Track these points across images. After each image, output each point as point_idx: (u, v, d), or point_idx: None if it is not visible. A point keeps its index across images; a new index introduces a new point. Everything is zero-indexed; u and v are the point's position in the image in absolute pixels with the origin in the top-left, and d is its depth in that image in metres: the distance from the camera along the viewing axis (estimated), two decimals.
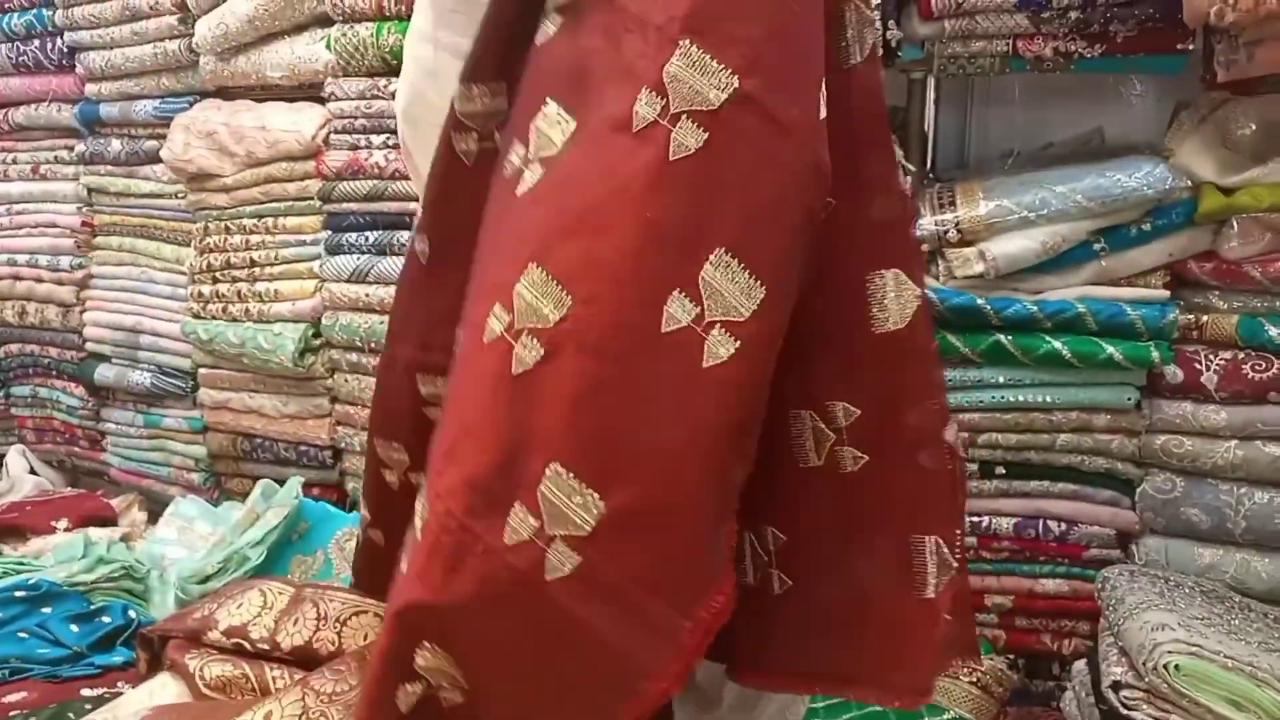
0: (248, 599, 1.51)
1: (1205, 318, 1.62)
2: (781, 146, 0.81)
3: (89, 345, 2.68)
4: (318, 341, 2.30)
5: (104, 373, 2.63)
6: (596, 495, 0.78)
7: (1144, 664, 1.24)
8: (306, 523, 2.08)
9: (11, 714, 1.42)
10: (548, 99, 0.86)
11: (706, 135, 0.79)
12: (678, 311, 0.79)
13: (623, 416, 0.80)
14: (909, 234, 1.07)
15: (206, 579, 1.85)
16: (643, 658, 0.83)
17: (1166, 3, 1.50)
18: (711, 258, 0.80)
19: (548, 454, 0.79)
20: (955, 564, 0.95)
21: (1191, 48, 1.56)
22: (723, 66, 0.78)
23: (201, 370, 2.48)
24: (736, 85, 0.79)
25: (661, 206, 0.80)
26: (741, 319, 0.80)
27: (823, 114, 0.85)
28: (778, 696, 1.19)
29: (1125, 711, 1.25)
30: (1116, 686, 1.27)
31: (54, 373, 2.77)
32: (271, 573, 1.92)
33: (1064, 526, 1.71)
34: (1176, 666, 1.23)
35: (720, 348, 0.80)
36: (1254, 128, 1.63)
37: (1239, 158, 1.60)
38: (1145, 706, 1.24)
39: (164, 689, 1.36)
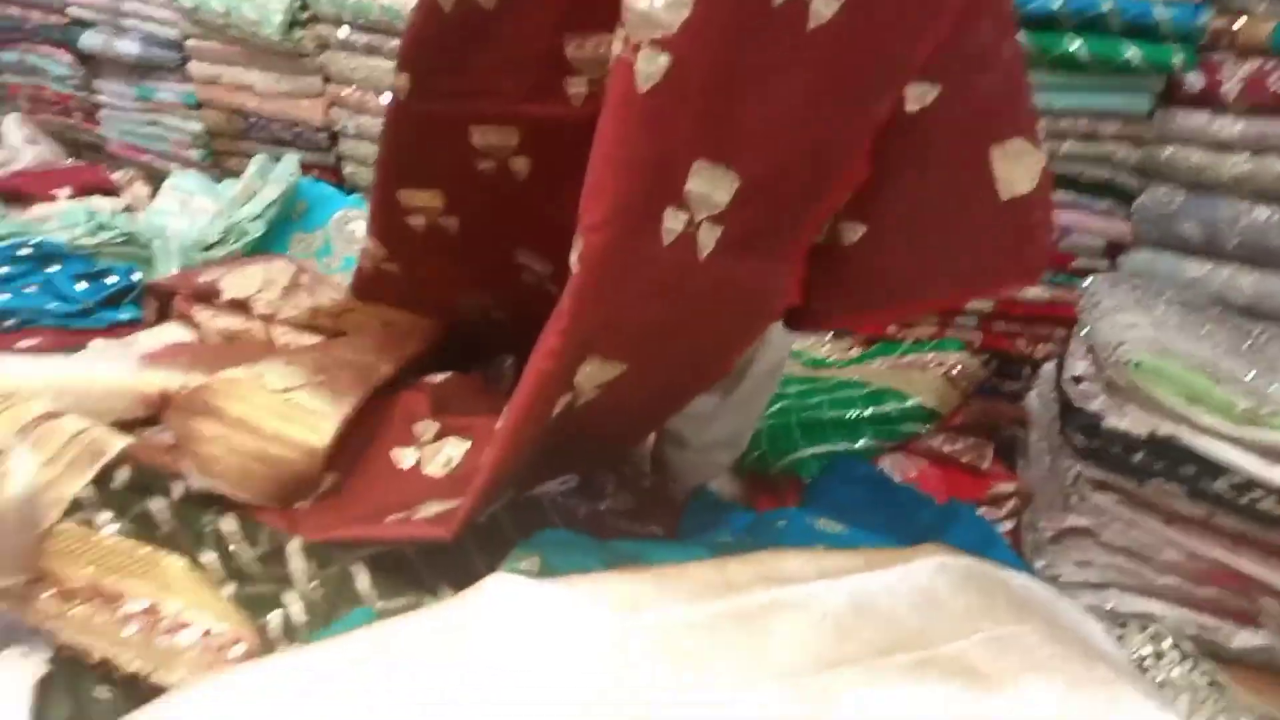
0: (251, 272, 1.54)
1: (1239, 22, 1.52)
2: None
3: (70, 9, 2.57)
4: (305, 15, 2.20)
5: (90, 40, 2.54)
6: (734, 173, 0.86)
7: (1106, 359, 1.28)
8: (304, 202, 2.08)
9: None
10: None
11: None
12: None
13: (747, 93, 0.84)
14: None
15: (208, 248, 1.89)
16: (774, 284, 1.00)
17: None
18: None
19: (692, 155, 0.85)
20: (1040, 150, 0.99)
21: None
22: None
23: (190, 42, 2.39)
24: None
25: None
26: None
27: None
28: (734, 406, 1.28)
29: (1080, 404, 1.30)
30: (1077, 380, 1.33)
31: (38, 38, 2.67)
32: (271, 247, 1.96)
33: (1056, 234, 1.70)
34: (1138, 364, 1.26)
35: (824, 6, 0.82)
36: None
37: None
38: (1101, 397, 1.29)
39: (175, 334, 1.43)
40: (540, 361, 0.89)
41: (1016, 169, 0.97)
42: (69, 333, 1.59)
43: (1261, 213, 1.54)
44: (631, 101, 0.80)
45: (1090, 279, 1.57)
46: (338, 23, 2.17)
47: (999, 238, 1.01)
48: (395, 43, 2.11)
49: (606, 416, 1.03)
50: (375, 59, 2.18)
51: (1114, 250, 1.69)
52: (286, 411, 1.07)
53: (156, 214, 2.12)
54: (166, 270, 1.92)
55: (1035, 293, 1.74)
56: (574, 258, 0.85)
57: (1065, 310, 1.66)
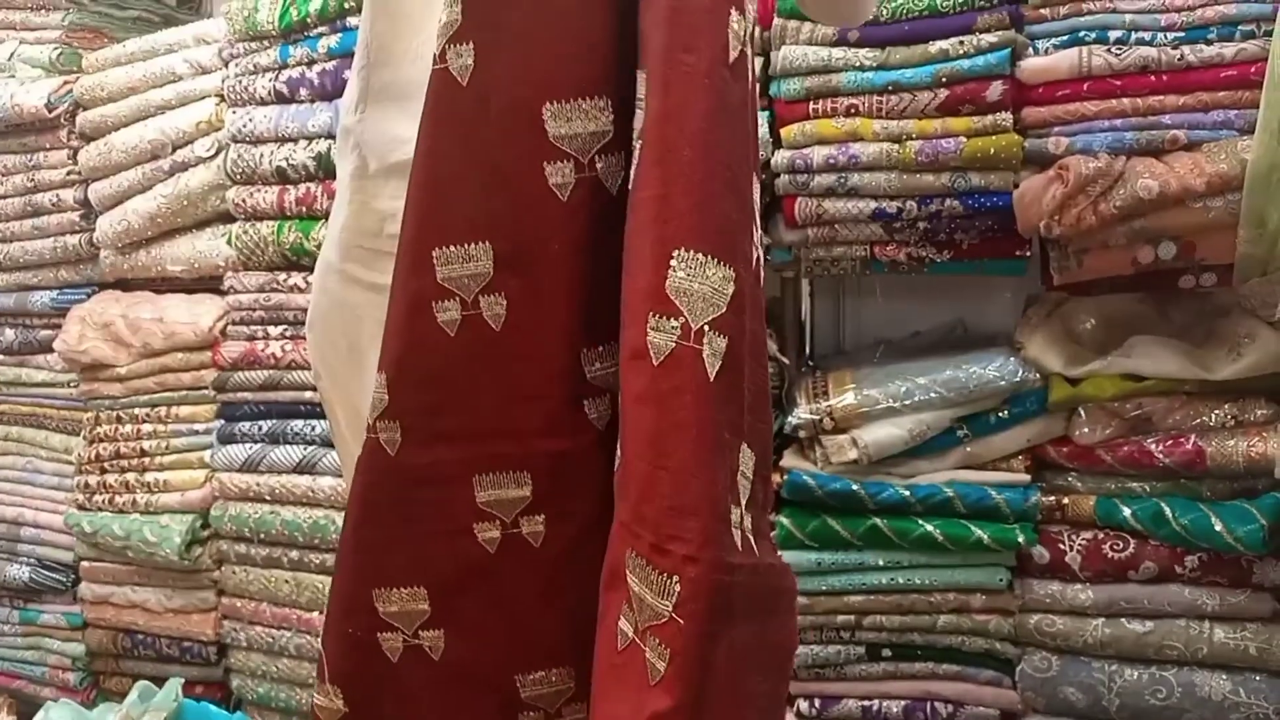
0: None
1: (1066, 499, 1.70)
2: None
3: None
4: (205, 533, 2.26)
5: None
6: (753, 452, 0.79)
7: None
8: None
9: None
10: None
11: (752, 77, 0.82)
12: (754, 249, 0.81)
13: (750, 370, 0.79)
14: None
15: None
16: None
17: (1004, 215, 1.65)
18: (754, 189, 0.83)
19: (740, 440, 0.76)
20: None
21: (1029, 254, 1.71)
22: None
23: (84, 563, 2.39)
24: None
25: (753, 152, 0.83)
26: (759, 250, 0.85)
27: None
28: None
29: None
30: None
31: None
32: None
33: (951, 708, 1.73)
34: None
35: (761, 275, 0.85)
36: (1094, 322, 1.77)
37: (1083, 350, 1.73)
38: None
39: None
40: None
41: None
42: None
43: (1132, 674, 1.61)
44: (708, 396, 0.71)
45: None
46: (238, 539, 2.23)
47: None
48: (295, 554, 2.17)
49: None
50: (273, 570, 2.21)
51: (1009, 718, 1.72)
52: None
53: None
54: None
55: None
56: (667, 608, 0.69)
57: None
